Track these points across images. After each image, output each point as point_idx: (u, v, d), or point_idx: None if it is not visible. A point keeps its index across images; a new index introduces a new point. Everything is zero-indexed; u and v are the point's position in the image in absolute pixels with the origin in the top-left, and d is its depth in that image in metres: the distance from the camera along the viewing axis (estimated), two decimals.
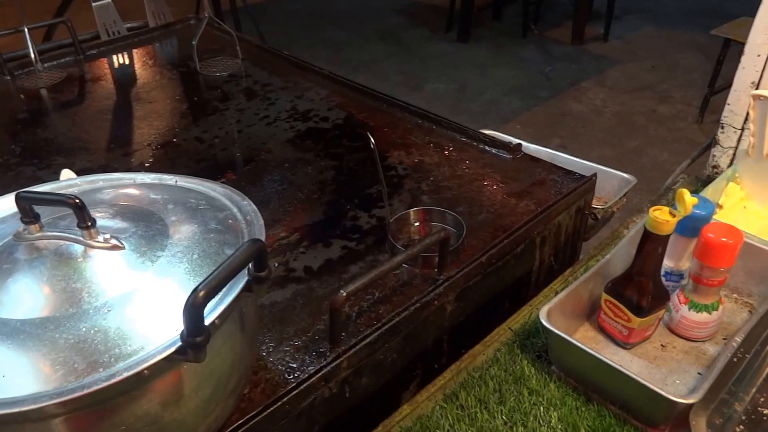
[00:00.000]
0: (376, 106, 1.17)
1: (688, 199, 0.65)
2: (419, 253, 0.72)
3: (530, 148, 1.02)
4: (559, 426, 0.66)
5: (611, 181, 1.05)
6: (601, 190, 1.04)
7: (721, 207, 0.91)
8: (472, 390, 0.70)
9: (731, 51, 3.18)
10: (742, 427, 0.64)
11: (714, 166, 0.99)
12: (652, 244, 0.68)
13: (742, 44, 3.10)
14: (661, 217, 0.66)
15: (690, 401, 0.59)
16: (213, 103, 1.24)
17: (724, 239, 0.68)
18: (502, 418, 0.66)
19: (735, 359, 0.66)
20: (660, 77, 3.89)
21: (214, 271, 0.45)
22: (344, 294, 0.65)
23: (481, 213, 0.85)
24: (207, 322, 0.45)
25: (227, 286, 0.48)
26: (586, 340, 0.77)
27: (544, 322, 0.69)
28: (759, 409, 0.66)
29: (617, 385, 0.65)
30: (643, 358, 0.74)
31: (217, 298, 0.47)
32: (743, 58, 0.88)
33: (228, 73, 1.36)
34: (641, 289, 0.71)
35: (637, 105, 3.61)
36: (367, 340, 0.67)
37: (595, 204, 0.99)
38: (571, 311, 0.75)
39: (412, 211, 0.84)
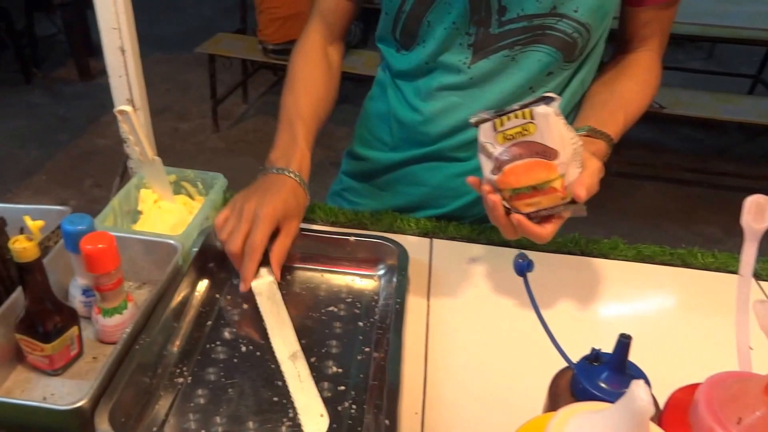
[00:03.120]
0: None
1: (30, 223, 0.71)
2: None
3: None
4: None
5: (50, 216, 1.08)
6: (44, 229, 1.06)
7: (142, 213, 1.02)
8: None
9: (217, 64, 3.59)
10: (161, 400, 0.74)
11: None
12: (25, 272, 0.73)
13: (225, 57, 3.48)
14: (19, 245, 0.71)
15: (80, 404, 0.66)
16: None
17: (99, 246, 0.77)
18: None
19: (137, 346, 0.75)
20: (176, 98, 4.14)
21: None
22: None
23: None
24: None
25: None
26: (19, 383, 0.78)
27: None
28: (174, 380, 0.77)
29: (21, 417, 0.68)
30: (76, 378, 0.79)
31: None
32: (110, 81, 1.01)
33: None
34: (39, 317, 0.75)
35: (161, 127, 3.78)
36: None
37: None
38: None
39: None
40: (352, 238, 0.97)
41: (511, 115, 0.78)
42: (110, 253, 0.78)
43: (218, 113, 3.66)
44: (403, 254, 0.94)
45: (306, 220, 1.09)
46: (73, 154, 3.56)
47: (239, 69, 4.04)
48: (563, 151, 0.77)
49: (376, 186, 1.18)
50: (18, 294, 0.80)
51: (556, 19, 0.93)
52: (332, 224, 1.09)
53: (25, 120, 3.90)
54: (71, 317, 0.79)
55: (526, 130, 0.77)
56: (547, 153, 0.77)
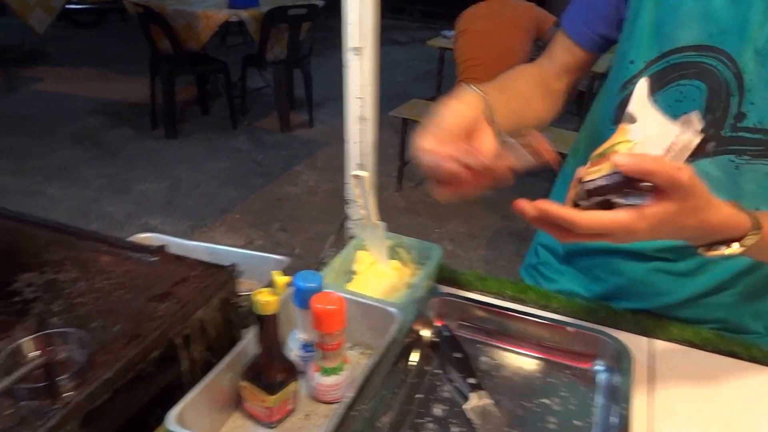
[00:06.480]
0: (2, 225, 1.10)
1: (278, 279, 0.73)
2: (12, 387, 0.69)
3: (176, 244, 1.05)
4: None
5: (268, 264, 1.13)
6: (260, 275, 1.11)
7: (356, 273, 1.03)
8: None
9: (410, 128, 3.69)
10: None
11: (351, 237, 1.13)
12: (262, 324, 0.75)
13: (416, 121, 3.60)
14: (262, 298, 0.73)
15: None
16: None
17: (329, 307, 0.77)
18: None
19: (354, 413, 0.74)
20: None
21: None
22: None
23: (117, 324, 0.84)
24: None
25: None
26: (235, 429, 0.80)
27: (172, 427, 0.70)
28: None
29: None
30: None
31: None
32: (346, 146, 1.04)
33: None
34: (266, 368, 0.77)
35: None
36: None
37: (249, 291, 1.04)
38: (212, 405, 0.78)
39: (24, 341, 0.79)
40: (570, 328, 0.90)
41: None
42: (339, 314, 0.78)
43: (403, 173, 3.77)
44: (625, 354, 0.86)
45: (518, 300, 1.04)
46: (265, 198, 3.81)
47: None
48: (643, 121, 0.64)
49: (574, 266, 1.11)
50: (246, 342, 0.83)
51: None
52: (542, 308, 1.02)
53: (228, 162, 4.27)
54: (293, 373, 0.79)
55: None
56: (628, 119, 0.65)
